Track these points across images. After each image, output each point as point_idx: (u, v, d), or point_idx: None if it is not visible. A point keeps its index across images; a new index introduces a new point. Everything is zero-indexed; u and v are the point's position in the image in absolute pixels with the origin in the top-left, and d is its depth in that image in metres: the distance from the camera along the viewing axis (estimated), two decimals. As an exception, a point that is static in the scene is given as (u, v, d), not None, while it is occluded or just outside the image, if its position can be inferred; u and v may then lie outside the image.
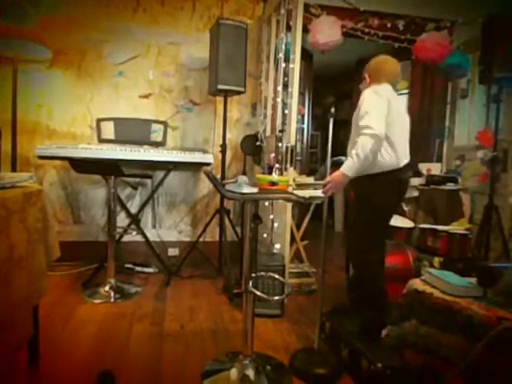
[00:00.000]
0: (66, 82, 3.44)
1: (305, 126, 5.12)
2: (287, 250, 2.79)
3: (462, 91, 3.92)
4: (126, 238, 3.51)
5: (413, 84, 4.38)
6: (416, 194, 3.63)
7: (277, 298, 2.17)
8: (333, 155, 2.12)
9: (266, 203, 2.95)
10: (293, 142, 2.75)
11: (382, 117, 1.95)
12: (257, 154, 3.53)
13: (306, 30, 3.18)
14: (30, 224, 1.61)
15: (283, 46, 2.94)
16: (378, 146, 1.93)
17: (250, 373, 1.81)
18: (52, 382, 1.78)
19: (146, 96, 3.61)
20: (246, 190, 1.81)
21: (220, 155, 3.32)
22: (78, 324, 2.35)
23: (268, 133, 3.39)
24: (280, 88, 2.98)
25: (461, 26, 3.68)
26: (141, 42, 3.55)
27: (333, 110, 2.05)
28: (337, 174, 1.96)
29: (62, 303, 2.62)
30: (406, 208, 3.63)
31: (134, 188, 3.61)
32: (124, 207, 3.53)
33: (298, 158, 4.67)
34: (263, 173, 3.28)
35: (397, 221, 2.81)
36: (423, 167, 3.83)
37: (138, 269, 3.40)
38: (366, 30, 3.54)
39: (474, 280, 1.68)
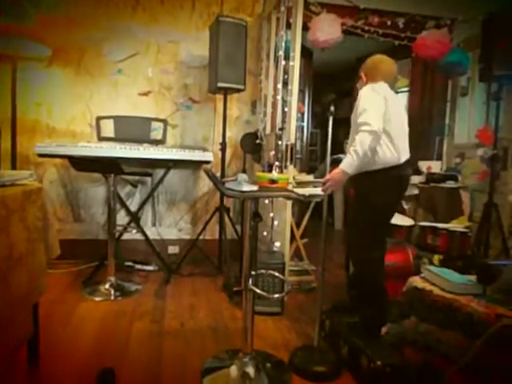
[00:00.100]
0: (66, 80, 3.44)
1: (305, 123, 5.12)
2: (287, 248, 2.79)
3: (462, 89, 3.92)
4: (125, 236, 3.51)
5: (413, 82, 4.38)
6: (416, 191, 3.63)
7: (277, 295, 2.18)
8: (332, 153, 2.13)
9: (266, 201, 2.95)
10: (293, 140, 2.75)
11: (380, 113, 1.95)
12: (257, 151, 3.53)
13: (305, 28, 3.18)
14: (29, 222, 1.61)
15: (283, 44, 2.94)
16: (376, 142, 1.94)
17: (250, 370, 1.82)
18: (52, 381, 1.78)
19: (146, 94, 3.61)
20: (246, 187, 1.81)
21: (220, 153, 3.32)
22: (79, 322, 2.35)
23: (268, 131, 3.39)
24: (280, 86, 2.97)
25: (461, 23, 3.67)
26: (140, 40, 3.54)
27: (332, 108, 2.05)
28: (336, 171, 1.97)
29: (62, 301, 2.63)
30: (405, 206, 3.63)
31: (134, 186, 3.61)
32: (124, 205, 3.53)
33: (298, 155, 4.67)
34: (263, 171, 3.28)
35: (397, 219, 2.81)
36: (423, 165, 3.83)
37: (138, 267, 3.40)
38: (366, 27, 3.53)
39: (473, 278, 1.69)
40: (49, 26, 3.31)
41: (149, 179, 3.62)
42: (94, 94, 3.50)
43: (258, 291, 1.82)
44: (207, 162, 3.03)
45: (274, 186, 1.88)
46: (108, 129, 3.30)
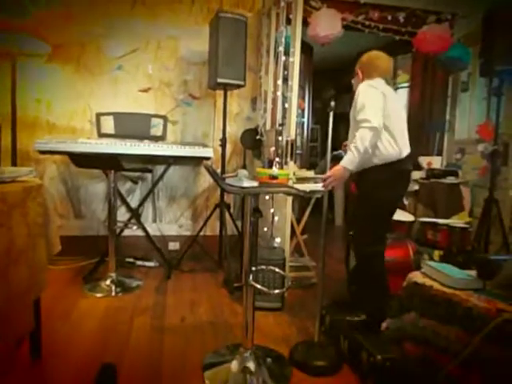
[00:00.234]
0: (66, 77, 3.43)
1: (305, 119, 5.11)
2: (287, 244, 2.80)
3: (463, 84, 3.91)
4: (126, 233, 3.52)
5: (413, 77, 4.36)
6: (416, 187, 3.63)
7: (277, 291, 2.18)
8: (333, 149, 2.13)
9: (267, 197, 2.95)
10: (293, 136, 2.74)
11: (379, 109, 1.96)
12: (257, 147, 3.53)
13: (306, 23, 3.17)
14: (30, 218, 1.61)
15: (283, 40, 2.93)
16: (376, 138, 1.94)
17: (251, 365, 1.83)
18: (54, 375, 1.80)
19: (146, 90, 3.60)
20: (246, 183, 1.82)
21: (220, 149, 3.32)
22: (80, 318, 2.36)
23: (268, 127, 3.38)
24: (280, 82, 2.97)
25: (461, 18, 3.66)
26: (140, 36, 3.53)
27: (333, 103, 2.05)
28: (338, 168, 1.97)
29: (63, 297, 2.64)
30: (406, 202, 3.63)
31: (135, 182, 3.62)
32: (124, 201, 3.54)
33: (298, 151, 4.66)
34: (263, 167, 3.28)
35: (397, 214, 2.81)
36: (423, 161, 3.83)
37: (139, 263, 3.41)
38: (367, 22, 3.52)
39: (473, 273, 1.69)
40: (48, 23, 3.30)
41: (149, 175, 3.63)
42: (93, 90, 3.50)
43: (259, 287, 1.83)
44: (207, 158, 3.03)
45: (275, 181, 1.88)
46: (108, 125, 3.30)
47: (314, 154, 6.79)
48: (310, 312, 2.52)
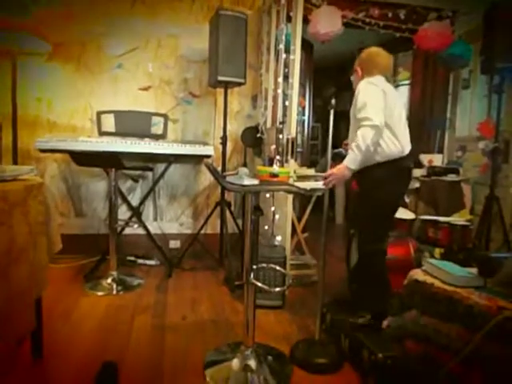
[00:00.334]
0: (66, 75, 3.43)
1: (305, 117, 5.10)
2: (288, 242, 2.80)
3: (464, 82, 3.90)
4: (127, 231, 3.52)
5: (414, 75, 4.35)
6: (417, 185, 3.63)
7: (278, 289, 2.18)
8: (333, 147, 2.12)
9: (267, 195, 2.95)
10: (293, 134, 2.74)
11: (380, 107, 1.96)
12: (257, 145, 3.52)
13: (306, 21, 3.16)
14: (31, 217, 1.62)
15: (283, 37, 2.92)
16: (378, 136, 1.94)
17: (252, 363, 1.83)
18: (56, 373, 1.80)
19: (146, 88, 3.60)
20: (247, 181, 1.81)
21: (220, 147, 3.32)
22: (81, 316, 2.37)
23: (269, 124, 3.38)
24: (280, 79, 2.96)
25: (462, 15, 3.64)
26: (140, 34, 3.53)
27: (333, 101, 2.04)
28: (340, 166, 1.97)
29: (64, 296, 2.64)
30: (407, 199, 3.63)
31: (135, 181, 3.62)
32: (125, 200, 3.54)
33: (299, 149, 4.66)
34: (264, 165, 3.28)
35: (398, 212, 2.81)
36: (424, 158, 3.82)
37: (140, 261, 3.42)
38: (367, 20, 3.50)
39: (474, 270, 1.69)
40: (48, 21, 3.29)
41: (150, 174, 3.63)
42: (94, 88, 3.49)
43: (260, 285, 1.83)
44: (208, 157, 3.03)
45: (275, 179, 1.88)
46: (109, 123, 3.30)
47: (315, 152, 6.78)
48: (311, 310, 2.52)
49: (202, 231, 3.40)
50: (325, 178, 2.01)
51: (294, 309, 2.61)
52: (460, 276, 1.64)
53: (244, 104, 3.82)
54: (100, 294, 2.73)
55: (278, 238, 2.82)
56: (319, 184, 2.03)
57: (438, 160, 3.83)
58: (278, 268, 2.19)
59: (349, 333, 2.02)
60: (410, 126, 2.18)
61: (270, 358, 1.94)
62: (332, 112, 2.04)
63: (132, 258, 3.42)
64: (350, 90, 2.34)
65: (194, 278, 3.16)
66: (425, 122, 4.11)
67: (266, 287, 1.87)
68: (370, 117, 1.91)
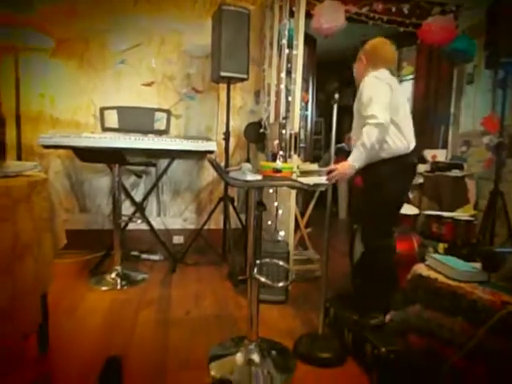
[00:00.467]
0: (69, 71, 3.44)
1: (309, 112, 5.09)
2: (291, 237, 2.80)
3: (468, 76, 3.87)
4: (131, 226, 3.53)
5: (418, 69, 4.33)
6: (421, 180, 3.62)
7: (281, 284, 2.18)
8: (337, 142, 2.11)
9: (271, 190, 2.95)
10: (296, 129, 2.74)
11: (386, 104, 1.94)
12: (260, 141, 3.52)
13: (309, 15, 3.14)
14: (35, 213, 1.62)
15: (286, 32, 2.91)
16: (383, 134, 1.93)
17: (256, 357, 1.84)
18: (61, 368, 1.82)
19: (149, 84, 3.60)
20: (250, 177, 1.81)
21: (223, 143, 3.32)
22: (86, 311, 2.38)
23: (272, 120, 3.37)
24: (283, 74, 2.95)
25: (466, 10, 3.61)
26: (143, 30, 3.52)
27: (337, 96, 2.03)
28: (344, 164, 1.96)
29: (69, 291, 2.66)
30: (410, 195, 3.62)
31: (139, 176, 3.62)
32: (129, 195, 3.55)
33: (302, 144, 4.63)
34: (267, 160, 3.28)
35: (402, 208, 2.81)
36: (428, 154, 3.81)
37: (144, 256, 3.43)
38: (371, 14, 3.48)
39: (478, 265, 1.68)
40: (53, 18, 3.29)
41: (153, 169, 3.63)
42: (97, 84, 3.50)
43: (263, 280, 1.84)
44: (211, 152, 3.02)
45: (278, 175, 1.88)
46: (112, 119, 3.30)
47: (318, 147, 6.76)
48: (314, 305, 2.52)
49: (206, 226, 3.41)
50: (328, 172, 2.00)
51: (298, 304, 2.62)
52: (464, 271, 1.64)
53: (247, 99, 3.81)
54: (104, 288, 2.75)
55: (281, 233, 2.82)
56: (322, 179, 2.02)
57: (441, 155, 3.82)
58: (281, 263, 2.20)
59: (352, 327, 2.02)
60: (413, 121, 2.17)
61: (273, 352, 1.95)
62: (335, 107, 2.04)
63: (136, 253, 3.44)
64: (353, 84, 2.33)
65: (198, 272, 3.17)
66: (429, 117, 4.09)
67: (269, 282, 1.87)
68: (375, 114, 1.90)
